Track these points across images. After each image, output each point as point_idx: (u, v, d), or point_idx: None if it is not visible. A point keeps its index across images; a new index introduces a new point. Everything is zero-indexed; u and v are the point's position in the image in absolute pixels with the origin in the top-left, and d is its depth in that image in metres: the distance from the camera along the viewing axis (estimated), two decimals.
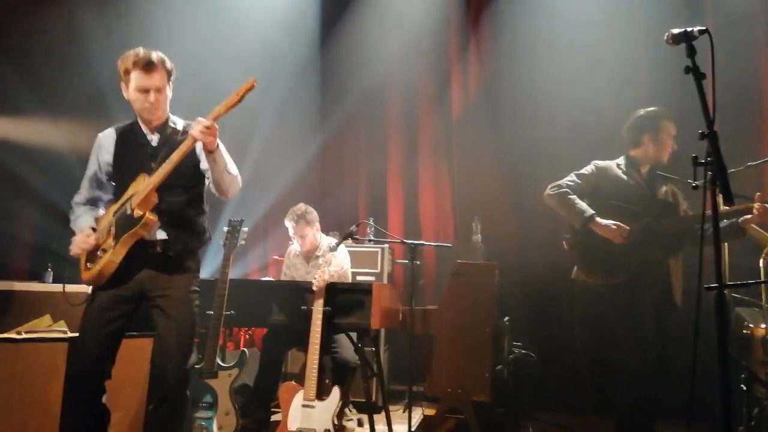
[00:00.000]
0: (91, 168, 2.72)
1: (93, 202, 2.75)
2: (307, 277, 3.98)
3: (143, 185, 2.53)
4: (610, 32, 4.85)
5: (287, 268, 4.25)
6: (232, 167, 2.64)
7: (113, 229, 2.56)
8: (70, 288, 3.61)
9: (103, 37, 4.57)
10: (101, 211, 2.76)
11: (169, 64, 2.61)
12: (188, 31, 4.84)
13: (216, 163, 2.53)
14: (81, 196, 2.74)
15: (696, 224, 3.03)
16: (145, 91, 2.55)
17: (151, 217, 2.49)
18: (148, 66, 2.53)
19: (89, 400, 2.55)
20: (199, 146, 2.60)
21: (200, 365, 3.14)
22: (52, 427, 2.85)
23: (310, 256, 4.11)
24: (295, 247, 4.23)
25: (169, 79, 2.63)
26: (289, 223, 4.04)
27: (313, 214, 4.05)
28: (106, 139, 2.71)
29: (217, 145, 2.50)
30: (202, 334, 3.18)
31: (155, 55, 2.56)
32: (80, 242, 2.58)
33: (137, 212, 2.49)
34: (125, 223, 2.53)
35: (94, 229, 2.62)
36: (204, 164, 2.67)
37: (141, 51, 2.56)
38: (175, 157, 2.48)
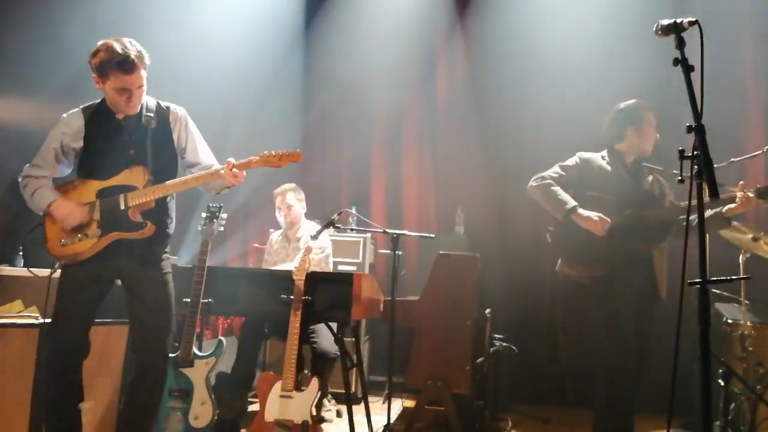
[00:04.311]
0: (52, 146, 2.61)
1: (46, 178, 2.64)
2: (287, 260, 3.96)
3: (142, 183, 2.54)
4: (597, 25, 4.84)
5: (268, 254, 4.23)
6: None
7: (98, 216, 2.53)
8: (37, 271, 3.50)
9: (80, 16, 4.44)
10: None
11: (146, 58, 2.52)
12: (168, 12, 4.72)
13: (228, 188, 2.72)
14: (35, 171, 2.61)
15: (680, 216, 3.03)
16: (127, 91, 2.49)
17: (152, 226, 2.54)
18: (129, 67, 2.44)
19: (72, 378, 2.56)
20: (178, 138, 2.72)
21: (176, 354, 3.09)
22: (23, 414, 2.79)
23: (291, 236, 4.09)
24: (277, 233, 4.21)
25: (145, 70, 2.54)
26: (276, 195, 4.11)
27: (301, 193, 4.16)
28: (73, 122, 2.61)
29: None
30: (178, 322, 3.12)
31: (133, 52, 2.45)
32: (75, 214, 2.51)
33: (135, 215, 2.54)
34: (117, 217, 2.53)
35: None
36: (191, 159, 2.77)
37: (117, 47, 2.43)
38: (191, 180, 2.60)
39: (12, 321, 2.92)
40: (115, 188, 2.55)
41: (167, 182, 2.58)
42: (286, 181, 4.25)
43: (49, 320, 2.94)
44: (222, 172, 2.58)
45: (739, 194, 2.84)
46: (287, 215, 4.07)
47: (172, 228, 2.77)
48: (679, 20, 1.86)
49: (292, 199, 4.06)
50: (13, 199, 4.18)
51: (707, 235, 3.34)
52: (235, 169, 2.58)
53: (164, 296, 2.66)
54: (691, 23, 1.84)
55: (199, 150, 2.79)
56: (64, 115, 2.64)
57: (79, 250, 2.52)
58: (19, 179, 2.63)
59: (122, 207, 2.52)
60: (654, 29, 1.92)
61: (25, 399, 2.81)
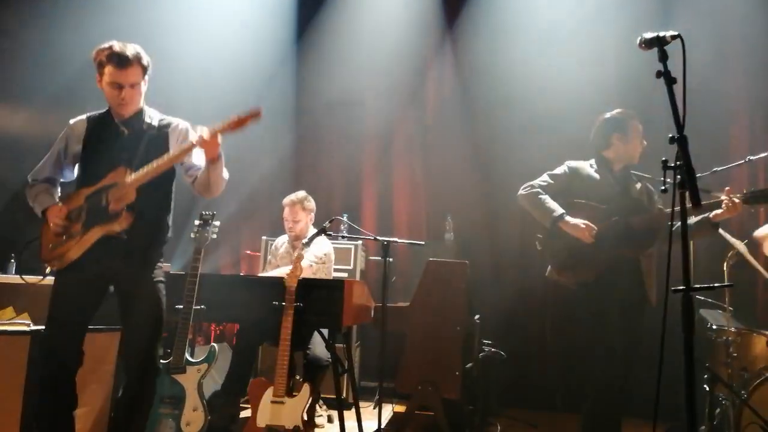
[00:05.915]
0: (56, 151, 2.70)
1: (51, 182, 2.73)
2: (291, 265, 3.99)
3: (124, 179, 2.52)
4: (586, 35, 4.92)
5: (273, 256, 4.25)
6: (226, 172, 2.72)
7: (84, 215, 2.55)
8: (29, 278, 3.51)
9: (75, 25, 4.46)
10: (58, 190, 2.76)
11: (145, 60, 2.59)
12: (163, 20, 4.74)
13: (215, 170, 2.62)
14: (40, 173, 2.71)
15: (667, 222, 3.07)
16: (118, 86, 2.54)
17: (128, 215, 2.52)
18: (122, 62, 2.51)
19: (65, 386, 2.56)
20: (175, 144, 2.68)
21: (168, 360, 3.10)
22: (14, 421, 2.78)
23: (297, 245, 4.11)
24: (283, 237, 4.24)
25: (144, 74, 2.61)
26: (285, 205, 4.09)
27: (312, 204, 4.14)
28: (77, 127, 2.69)
29: (219, 155, 2.58)
30: (171, 328, 3.13)
31: (131, 50, 2.53)
32: (55, 216, 2.55)
33: (113, 207, 2.51)
34: (98, 214, 2.53)
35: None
36: (188, 162, 2.73)
37: (116, 45, 2.52)
38: (165, 161, 2.53)
39: (3, 328, 2.92)
40: (102, 189, 2.57)
41: (140, 170, 2.53)
42: (279, 187, 4.27)
43: (40, 327, 2.95)
44: (194, 141, 2.54)
45: (725, 200, 2.89)
46: (292, 228, 4.07)
47: (161, 238, 2.74)
48: (661, 34, 1.90)
49: (299, 213, 4.04)
50: (9, 207, 4.20)
51: (695, 240, 3.41)
52: (204, 134, 2.51)
53: (154, 304, 2.65)
54: (673, 37, 1.88)
55: (195, 154, 2.76)
56: (72, 120, 2.72)
57: (65, 250, 2.53)
58: (29, 179, 2.72)
59: (104, 204, 2.54)
60: (637, 42, 1.96)
61: (16, 406, 2.80)
